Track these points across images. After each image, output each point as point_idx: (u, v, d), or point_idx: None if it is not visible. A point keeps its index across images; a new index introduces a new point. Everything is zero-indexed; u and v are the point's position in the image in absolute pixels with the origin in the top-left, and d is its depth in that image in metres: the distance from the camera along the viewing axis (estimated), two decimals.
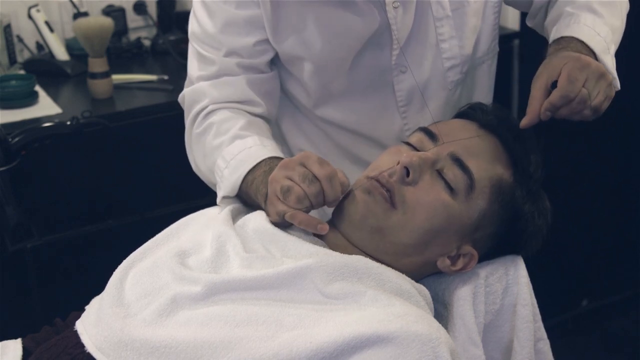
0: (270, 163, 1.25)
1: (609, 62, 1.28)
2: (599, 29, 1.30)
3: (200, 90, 1.37)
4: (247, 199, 1.29)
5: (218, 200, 1.32)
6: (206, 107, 1.35)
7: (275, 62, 1.41)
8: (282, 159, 1.26)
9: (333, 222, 1.21)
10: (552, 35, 1.33)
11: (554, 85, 1.19)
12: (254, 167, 1.26)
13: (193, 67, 1.39)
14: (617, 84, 1.28)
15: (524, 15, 1.57)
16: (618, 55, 1.34)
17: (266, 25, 1.32)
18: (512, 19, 2.46)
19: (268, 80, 1.38)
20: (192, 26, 1.38)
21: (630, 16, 1.42)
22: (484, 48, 1.44)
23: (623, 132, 2.60)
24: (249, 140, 1.29)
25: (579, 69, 1.18)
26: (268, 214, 1.19)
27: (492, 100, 1.52)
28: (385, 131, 1.44)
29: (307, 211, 1.15)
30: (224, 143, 1.31)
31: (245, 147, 1.29)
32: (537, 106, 1.20)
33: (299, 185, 1.13)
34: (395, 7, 1.32)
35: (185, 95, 1.40)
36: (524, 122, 1.21)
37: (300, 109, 1.47)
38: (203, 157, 1.36)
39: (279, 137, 1.55)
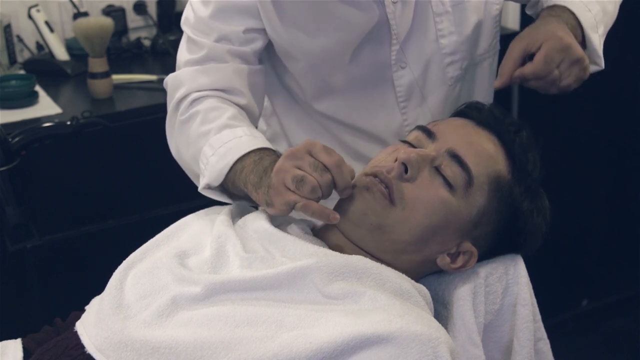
0: (260, 153, 1.23)
1: (596, 40, 1.33)
2: (591, 6, 1.34)
3: (184, 75, 1.35)
4: (232, 189, 1.27)
5: (200, 188, 1.29)
6: (189, 94, 1.33)
7: (271, 56, 1.41)
8: (272, 150, 1.26)
9: None
10: (546, 4, 1.37)
11: (530, 57, 1.25)
12: (243, 156, 1.23)
13: (182, 52, 1.39)
14: (602, 63, 1.34)
15: (524, 15, 1.58)
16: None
17: (264, 18, 1.32)
18: (512, 19, 2.46)
19: (254, 73, 1.37)
20: (186, 12, 1.38)
21: (631, 15, 1.43)
22: (484, 45, 1.44)
23: (623, 132, 2.60)
24: (238, 130, 1.27)
25: (557, 50, 1.23)
26: (271, 205, 1.16)
27: (493, 99, 1.52)
28: (385, 126, 1.44)
29: (318, 201, 1.13)
30: (212, 131, 1.28)
31: (235, 136, 1.26)
32: (511, 68, 1.26)
33: (311, 175, 1.11)
34: (394, 2, 1.32)
35: (169, 81, 1.38)
36: (497, 84, 1.28)
37: (300, 105, 1.47)
38: (187, 144, 1.33)
39: (280, 133, 1.55)
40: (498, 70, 1.28)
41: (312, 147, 1.13)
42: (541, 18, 1.33)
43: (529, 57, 1.25)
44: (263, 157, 1.22)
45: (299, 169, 1.12)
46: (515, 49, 1.27)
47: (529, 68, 1.24)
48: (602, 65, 1.33)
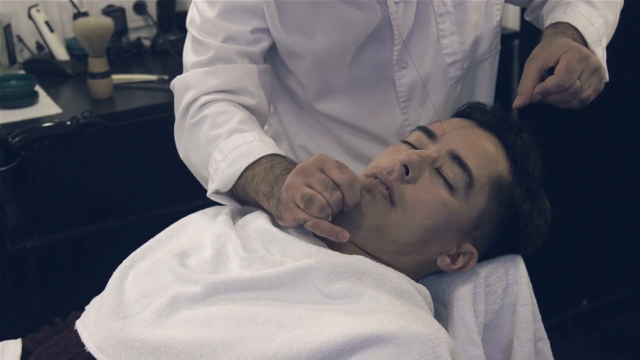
0: (271, 160, 1.23)
1: (600, 54, 1.34)
2: (593, 20, 1.35)
3: (193, 78, 1.34)
4: (242, 195, 1.27)
5: (208, 193, 1.29)
6: (199, 97, 1.32)
7: (273, 57, 1.41)
8: (282, 156, 1.26)
9: (333, 221, 1.21)
10: (549, 21, 1.38)
11: (549, 70, 1.24)
12: (254, 162, 1.23)
13: (188, 54, 1.37)
14: (606, 76, 1.33)
15: (524, 16, 1.58)
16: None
17: (268, 18, 1.32)
18: (512, 19, 2.46)
19: (262, 72, 1.37)
20: (191, 13, 1.37)
21: (631, 18, 1.43)
22: (485, 45, 1.44)
23: (623, 132, 2.61)
24: (248, 135, 1.27)
25: (577, 60, 1.23)
26: (280, 219, 1.17)
27: (494, 99, 1.52)
28: (386, 126, 1.44)
29: (327, 218, 1.13)
30: (222, 136, 1.28)
31: (245, 141, 1.26)
32: (530, 87, 1.25)
33: (320, 194, 1.10)
34: (396, 3, 1.32)
35: (176, 83, 1.37)
36: (517, 103, 1.25)
37: (301, 105, 1.47)
38: (196, 148, 1.32)
39: (281, 133, 1.55)
40: (517, 89, 1.26)
41: (324, 163, 1.12)
42: (548, 36, 1.33)
43: (547, 72, 1.25)
44: (274, 164, 1.22)
45: (309, 186, 1.11)
46: (531, 68, 1.26)
47: (551, 81, 1.23)
48: (607, 77, 1.33)
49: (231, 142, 1.26)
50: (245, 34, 1.33)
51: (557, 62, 1.23)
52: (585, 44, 1.32)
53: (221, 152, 1.26)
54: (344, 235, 1.12)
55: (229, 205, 1.29)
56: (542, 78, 1.25)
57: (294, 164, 1.19)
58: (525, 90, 1.25)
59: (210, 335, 1.04)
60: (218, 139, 1.28)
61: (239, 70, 1.34)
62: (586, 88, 1.25)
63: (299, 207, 1.12)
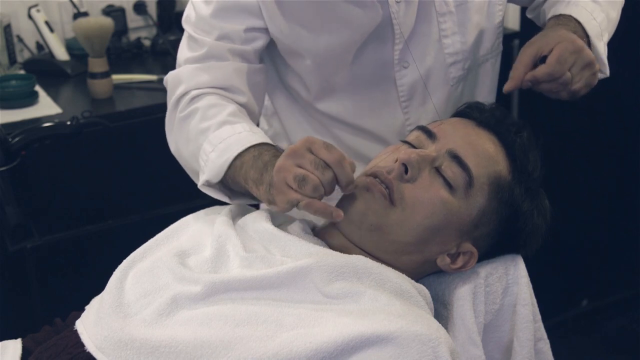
0: (259, 148, 1.23)
1: (601, 48, 1.34)
2: (596, 14, 1.36)
3: (184, 73, 1.35)
4: (232, 185, 1.26)
5: (199, 184, 1.29)
6: (189, 91, 1.33)
7: (273, 56, 1.41)
8: (272, 145, 1.25)
9: (332, 222, 1.21)
10: (551, 14, 1.39)
11: (543, 59, 1.25)
12: (242, 151, 1.23)
13: (183, 50, 1.39)
14: (607, 71, 1.36)
15: (524, 16, 1.59)
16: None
17: (267, 17, 1.32)
18: (512, 19, 2.46)
19: (255, 72, 1.37)
20: (187, 11, 1.38)
21: (631, 16, 1.44)
22: (487, 45, 1.45)
23: (623, 132, 2.61)
24: (238, 127, 1.27)
25: (570, 52, 1.24)
26: (273, 203, 1.16)
27: (495, 99, 1.52)
28: (387, 126, 1.44)
29: (320, 199, 1.12)
30: (211, 128, 1.28)
31: (234, 132, 1.26)
32: (522, 73, 1.26)
33: (313, 174, 1.10)
34: (397, 2, 1.32)
35: (169, 78, 1.38)
36: (507, 87, 1.27)
37: (301, 104, 1.47)
38: (186, 141, 1.33)
39: (281, 133, 1.55)
40: (509, 74, 1.28)
41: (312, 144, 1.12)
42: (549, 27, 1.34)
43: (540, 60, 1.26)
44: (262, 152, 1.22)
45: (300, 167, 1.11)
46: (526, 54, 1.27)
47: (541, 69, 1.24)
48: (607, 73, 1.34)
49: (221, 134, 1.26)
50: (239, 32, 1.33)
51: (550, 52, 1.24)
52: (587, 37, 1.33)
53: (211, 144, 1.27)
54: (339, 214, 1.11)
55: (219, 197, 1.29)
56: (536, 66, 1.26)
57: (282, 151, 1.18)
58: (517, 75, 1.26)
59: (210, 335, 1.04)
60: (208, 131, 1.28)
61: (230, 68, 1.34)
62: (577, 81, 1.26)
63: (291, 188, 1.11)
